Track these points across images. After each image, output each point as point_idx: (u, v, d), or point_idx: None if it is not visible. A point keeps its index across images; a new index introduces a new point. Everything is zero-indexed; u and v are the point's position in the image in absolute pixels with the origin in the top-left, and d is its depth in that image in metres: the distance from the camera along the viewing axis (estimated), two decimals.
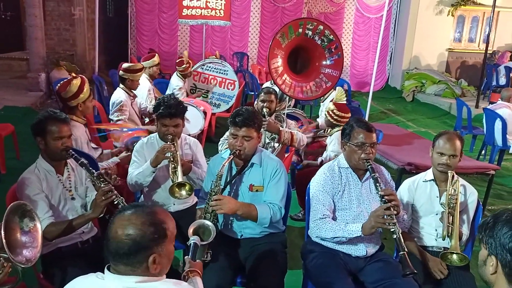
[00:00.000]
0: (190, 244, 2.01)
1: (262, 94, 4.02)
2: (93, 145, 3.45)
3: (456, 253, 2.38)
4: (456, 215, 2.46)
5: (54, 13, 9.30)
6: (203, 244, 2.11)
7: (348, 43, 12.03)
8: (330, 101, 4.35)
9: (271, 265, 2.40)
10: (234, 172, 2.57)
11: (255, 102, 4.16)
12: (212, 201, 2.33)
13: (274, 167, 2.55)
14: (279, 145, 3.80)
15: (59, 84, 3.36)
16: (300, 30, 3.95)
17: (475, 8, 11.48)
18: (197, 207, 2.71)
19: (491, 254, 1.37)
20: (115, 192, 2.27)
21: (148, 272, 1.39)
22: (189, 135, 3.54)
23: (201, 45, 9.00)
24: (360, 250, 2.47)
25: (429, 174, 2.70)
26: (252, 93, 8.12)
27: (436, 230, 2.60)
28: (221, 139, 3.87)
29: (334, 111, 4.00)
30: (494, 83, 10.25)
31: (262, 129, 2.69)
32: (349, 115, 3.99)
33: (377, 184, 2.34)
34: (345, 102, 4.31)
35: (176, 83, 6.23)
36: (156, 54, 5.85)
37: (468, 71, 11.91)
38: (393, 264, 2.42)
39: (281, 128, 3.73)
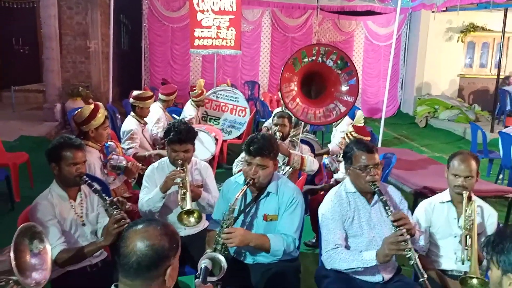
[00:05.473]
0: (201, 267, 1.97)
1: (275, 118, 4.05)
2: (106, 172, 3.47)
3: (476, 277, 2.26)
4: (474, 237, 2.37)
5: (70, 47, 9.60)
6: (213, 281, 2.03)
7: (358, 70, 11.99)
8: (349, 124, 4.26)
9: None
10: (248, 198, 2.49)
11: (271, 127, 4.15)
12: (223, 233, 2.27)
13: (291, 196, 2.46)
14: (289, 169, 3.76)
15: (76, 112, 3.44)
16: (314, 54, 3.90)
17: (485, 34, 11.52)
18: (207, 228, 2.66)
19: (506, 272, 1.30)
20: (127, 219, 2.25)
21: (162, 286, 1.38)
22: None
23: (212, 75, 9.15)
24: (377, 277, 2.39)
25: (446, 195, 2.63)
26: (264, 120, 8.15)
27: (455, 253, 2.51)
28: (235, 160, 3.86)
29: (352, 132, 3.89)
30: (508, 107, 10.15)
31: None
32: (369, 138, 3.87)
33: (386, 207, 2.26)
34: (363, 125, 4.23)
35: (188, 112, 6.28)
36: (175, 93, 5.86)
37: (481, 96, 11.84)
38: (411, 286, 2.33)
39: (291, 151, 3.70)
